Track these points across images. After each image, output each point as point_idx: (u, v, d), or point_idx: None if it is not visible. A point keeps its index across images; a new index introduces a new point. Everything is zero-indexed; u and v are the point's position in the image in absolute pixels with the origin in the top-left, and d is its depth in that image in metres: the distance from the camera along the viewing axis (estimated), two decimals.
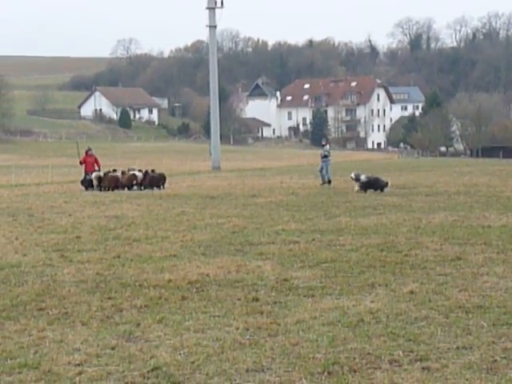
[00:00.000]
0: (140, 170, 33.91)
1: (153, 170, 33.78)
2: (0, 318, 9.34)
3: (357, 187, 28.15)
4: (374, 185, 28.18)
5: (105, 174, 32.89)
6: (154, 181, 32.86)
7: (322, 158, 34.18)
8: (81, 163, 34.57)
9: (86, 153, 34.37)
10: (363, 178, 28.39)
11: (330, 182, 33.32)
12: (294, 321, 8.81)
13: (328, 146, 35.32)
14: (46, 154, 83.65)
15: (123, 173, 33.32)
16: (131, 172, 33.39)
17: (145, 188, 32.29)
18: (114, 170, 33.91)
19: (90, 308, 9.71)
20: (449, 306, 9.36)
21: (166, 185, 33.26)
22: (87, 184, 32.93)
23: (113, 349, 7.94)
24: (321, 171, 34.14)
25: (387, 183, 28.58)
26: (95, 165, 33.69)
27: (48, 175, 42.54)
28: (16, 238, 16.51)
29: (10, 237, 16.67)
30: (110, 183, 32.37)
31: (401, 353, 7.55)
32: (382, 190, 27.97)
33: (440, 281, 10.97)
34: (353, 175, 28.79)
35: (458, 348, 7.69)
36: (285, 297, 10.17)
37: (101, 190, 31.89)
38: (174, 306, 9.78)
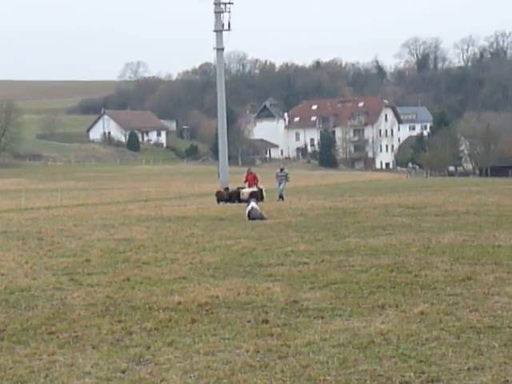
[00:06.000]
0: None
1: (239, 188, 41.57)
2: (10, 342, 9.33)
3: None
4: None
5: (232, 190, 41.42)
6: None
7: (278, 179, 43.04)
8: (245, 181, 42.36)
9: (247, 171, 42.91)
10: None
11: (282, 197, 40.96)
12: (304, 343, 8.78)
13: (279, 171, 44.65)
14: (55, 178, 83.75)
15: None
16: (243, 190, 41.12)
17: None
18: (226, 189, 42.44)
19: (100, 331, 9.70)
20: (460, 327, 9.32)
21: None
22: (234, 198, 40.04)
23: (123, 372, 7.92)
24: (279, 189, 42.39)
25: None
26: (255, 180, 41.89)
27: (57, 199, 42.60)
28: (26, 261, 16.52)
29: (20, 261, 16.68)
30: (234, 197, 40.03)
31: (412, 374, 7.51)
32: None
33: (450, 301, 10.92)
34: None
35: (469, 369, 7.65)
36: (295, 318, 10.14)
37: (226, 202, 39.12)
38: (184, 328, 9.76)
